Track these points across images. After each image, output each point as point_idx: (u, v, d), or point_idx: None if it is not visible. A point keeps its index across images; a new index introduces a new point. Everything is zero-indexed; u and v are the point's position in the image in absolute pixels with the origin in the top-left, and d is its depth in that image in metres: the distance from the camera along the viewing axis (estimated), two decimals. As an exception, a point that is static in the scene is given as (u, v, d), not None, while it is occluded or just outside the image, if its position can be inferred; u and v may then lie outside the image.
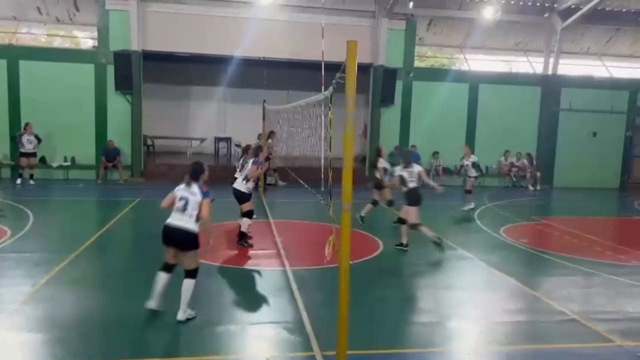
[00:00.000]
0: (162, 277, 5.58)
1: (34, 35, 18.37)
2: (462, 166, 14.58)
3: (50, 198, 13.37)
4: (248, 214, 8.70)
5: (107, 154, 15.88)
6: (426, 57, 20.73)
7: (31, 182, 14.71)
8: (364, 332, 5.39)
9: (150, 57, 16.51)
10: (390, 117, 18.02)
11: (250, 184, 8.72)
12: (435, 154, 17.91)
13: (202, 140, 19.21)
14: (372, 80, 17.77)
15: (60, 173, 16.01)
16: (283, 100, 17.67)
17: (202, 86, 20.00)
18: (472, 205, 13.02)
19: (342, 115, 4.20)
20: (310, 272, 7.44)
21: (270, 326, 5.58)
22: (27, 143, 14.62)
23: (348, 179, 4.21)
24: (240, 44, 16.09)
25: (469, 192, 13.30)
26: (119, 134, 16.23)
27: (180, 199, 5.48)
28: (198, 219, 5.47)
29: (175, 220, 5.46)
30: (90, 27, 16.90)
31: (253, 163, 8.65)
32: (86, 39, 17.84)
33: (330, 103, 5.14)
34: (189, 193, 5.50)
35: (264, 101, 15.00)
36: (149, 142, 18.31)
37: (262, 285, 7.08)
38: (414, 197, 8.77)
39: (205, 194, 5.55)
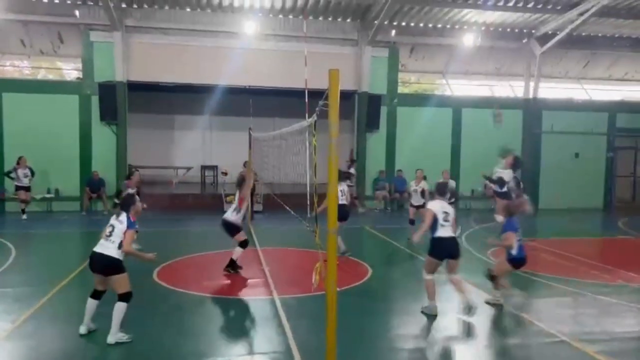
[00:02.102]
0: (91, 304, 5.82)
1: (18, 67, 18.34)
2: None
3: (34, 231, 13.14)
4: (242, 244, 8.68)
5: (92, 185, 15.74)
6: (409, 83, 21.07)
7: (24, 216, 14.44)
8: (352, 359, 5.31)
9: (135, 87, 16.57)
10: (376, 142, 18.18)
11: (240, 215, 8.74)
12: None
13: (188, 169, 19.16)
14: (357, 106, 17.99)
15: (44, 205, 15.80)
16: (269, 127, 17.71)
17: (188, 115, 20.07)
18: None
19: (327, 141, 4.23)
20: (298, 300, 7.35)
21: (259, 357, 5.48)
22: (23, 177, 14.45)
23: (333, 205, 4.22)
24: (225, 73, 16.27)
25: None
26: (103, 165, 16.15)
27: (109, 226, 5.76)
28: (120, 246, 5.66)
29: (99, 246, 5.70)
30: (75, 59, 16.94)
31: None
32: (70, 71, 17.85)
33: (315, 130, 5.17)
34: (117, 221, 5.77)
35: (250, 129, 15.05)
36: (134, 171, 18.14)
37: (250, 314, 6.98)
38: None
39: (131, 224, 5.76)
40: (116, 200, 11.49)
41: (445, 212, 6.68)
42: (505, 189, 10.21)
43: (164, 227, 13.18)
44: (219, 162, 19.24)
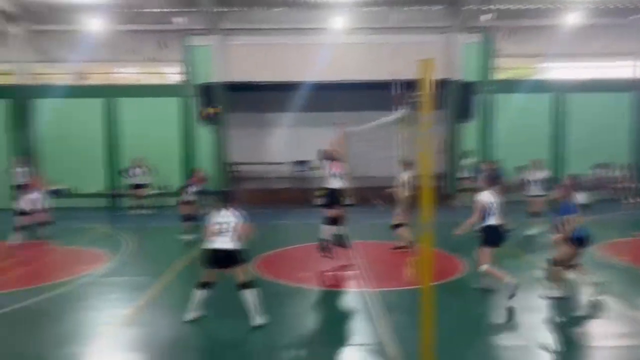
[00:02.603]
0: (202, 294, 6.17)
1: (128, 74, 19.93)
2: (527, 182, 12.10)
3: (145, 225, 14.26)
4: (331, 221, 8.82)
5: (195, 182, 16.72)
6: (506, 68, 20.01)
7: (143, 211, 15.73)
8: (448, 356, 5.21)
9: (232, 87, 17.36)
10: (469, 132, 17.54)
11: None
12: (521, 168, 17.10)
13: (282, 164, 19.72)
14: (448, 96, 17.47)
15: (153, 201, 17.08)
16: (357, 121, 17.79)
17: (281, 112, 20.60)
18: (534, 231, 11.15)
19: (415, 132, 4.19)
20: (391, 293, 7.34)
21: (353, 349, 5.56)
22: (138, 175, 15.70)
23: (428, 198, 4.16)
24: (315, 69, 16.50)
25: (536, 214, 11.32)
26: (205, 162, 17.11)
27: (220, 223, 6.03)
28: (237, 238, 6.03)
29: (218, 243, 6.00)
30: (177, 63, 18.06)
31: None
32: (173, 74, 19.05)
33: (405, 122, 5.13)
34: (229, 216, 6.07)
35: (336, 123, 15.14)
36: (233, 168, 19.09)
37: (343, 306, 7.08)
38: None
39: (245, 217, 6.15)
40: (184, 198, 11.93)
41: (494, 202, 7.05)
42: None
43: (260, 220, 13.66)
44: (309, 157, 19.58)
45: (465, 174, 16.57)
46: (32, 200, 11.02)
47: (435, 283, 5.50)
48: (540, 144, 17.35)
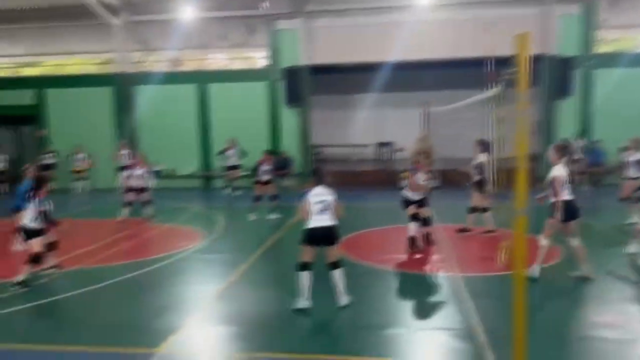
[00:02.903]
0: (308, 275, 6.10)
1: (218, 59, 20.72)
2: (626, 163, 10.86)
3: (236, 205, 14.90)
4: (412, 217, 8.63)
5: (279, 162, 17.18)
6: (608, 41, 18.38)
7: (238, 192, 16.40)
8: (542, 346, 4.99)
9: (316, 70, 17.50)
10: (567, 110, 16.43)
11: (416, 192, 8.66)
12: (624, 149, 15.76)
13: (366, 146, 19.68)
14: (543, 72, 16.42)
15: (242, 182, 17.75)
16: (444, 100, 17.26)
17: (364, 93, 20.49)
18: (634, 220, 9.63)
19: (510, 112, 3.99)
20: (481, 279, 7.13)
21: (441, 332, 5.49)
22: (231, 156, 16.29)
23: (522, 181, 3.96)
24: (400, 48, 16.15)
25: (626, 199, 10.10)
26: (290, 144, 17.50)
27: (317, 202, 6.05)
28: (335, 215, 6.14)
29: (318, 222, 6.03)
30: (264, 47, 18.50)
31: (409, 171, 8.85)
32: (261, 58, 19.54)
33: (499, 101, 4.90)
34: (325, 195, 6.13)
35: (427, 103, 14.81)
36: (316, 150, 19.35)
37: (431, 290, 6.99)
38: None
39: (335, 195, 6.22)
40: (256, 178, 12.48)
41: (567, 176, 6.83)
42: None
43: (344, 202, 13.81)
44: (394, 138, 19.37)
45: (577, 156, 15.36)
46: (137, 176, 11.72)
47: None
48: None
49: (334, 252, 6.14)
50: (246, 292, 7.01)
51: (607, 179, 15.99)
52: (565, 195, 6.74)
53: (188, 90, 18.14)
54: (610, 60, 16.37)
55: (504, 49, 4.57)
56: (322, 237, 6.02)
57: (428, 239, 8.88)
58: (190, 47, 19.11)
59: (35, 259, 7.16)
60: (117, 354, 5.07)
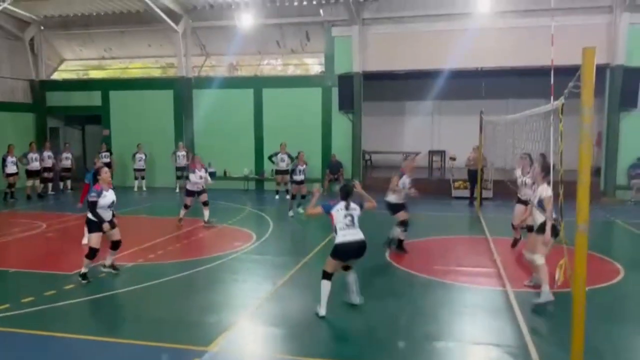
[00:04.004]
0: (328, 285, 6.12)
1: (273, 65, 21.13)
2: None
3: (286, 207, 15.09)
4: (401, 223, 9.02)
5: (331, 167, 17.32)
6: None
7: (287, 197, 16.60)
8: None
9: (369, 77, 17.53)
10: (633, 122, 15.69)
11: (396, 196, 9.01)
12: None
13: (417, 154, 19.45)
14: (608, 82, 15.77)
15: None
16: (502, 110, 16.88)
17: (417, 101, 20.35)
18: None
19: (573, 122, 3.88)
20: (534, 295, 6.92)
21: (491, 348, 5.37)
22: (281, 161, 16.46)
23: (584, 196, 3.85)
24: (456, 56, 15.96)
25: None
26: (341, 150, 17.60)
27: (345, 216, 6.13)
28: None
29: (353, 235, 6.08)
30: (319, 54, 18.71)
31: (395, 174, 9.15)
32: (314, 65, 19.78)
33: (562, 114, 4.77)
34: (353, 210, 6.20)
35: (481, 112, 14.53)
36: (367, 156, 19.36)
37: (481, 304, 6.84)
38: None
39: (360, 205, 6.31)
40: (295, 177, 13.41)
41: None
42: None
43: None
44: (446, 146, 19.10)
45: None
46: (197, 178, 11.63)
47: (588, 288, 5.07)
48: None
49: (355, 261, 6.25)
50: (295, 294, 7.11)
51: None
52: (553, 215, 6.38)
53: (244, 95, 18.59)
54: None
55: (568, 59, 4.43)
56: (353, 251, 6.09)
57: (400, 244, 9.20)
58: (248, 52, 19.62)
59: (91, 253, 7.44)
60: (171, 349, 5.27)
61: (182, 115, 19.08)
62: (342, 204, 6.19)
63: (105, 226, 7.50)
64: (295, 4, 17.62)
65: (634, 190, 15.47)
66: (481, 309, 6.66)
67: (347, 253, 6.12)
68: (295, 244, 10.40)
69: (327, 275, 6.17)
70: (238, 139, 18.52)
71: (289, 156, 16.48)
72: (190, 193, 11.75)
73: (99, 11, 19.00)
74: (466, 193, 15.76)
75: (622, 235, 11.58)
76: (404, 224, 9.04)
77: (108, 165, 18.64)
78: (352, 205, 6.21)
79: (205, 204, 11.76)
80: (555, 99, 5.55)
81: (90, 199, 7.48)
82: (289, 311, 6.46)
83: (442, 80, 18.07)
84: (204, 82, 19.05)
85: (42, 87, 20.47)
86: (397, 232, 9.08)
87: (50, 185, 17.68)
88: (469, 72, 17.21)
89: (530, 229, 7.70)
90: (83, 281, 7.41)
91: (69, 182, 18.35)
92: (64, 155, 18.29)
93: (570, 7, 15.39)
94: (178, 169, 18.18)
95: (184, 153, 18.12)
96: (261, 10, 17.64)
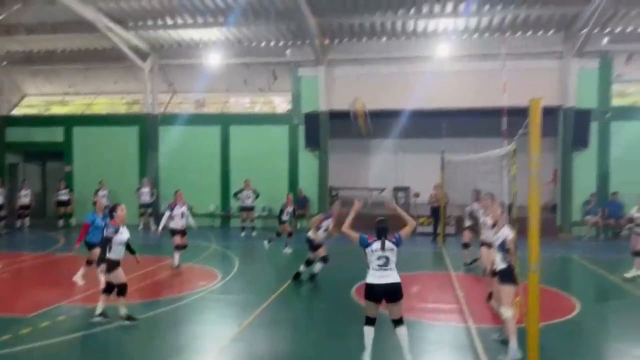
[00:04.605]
0: (371, 331, 5.85)
1: (240, 103, 21.35)
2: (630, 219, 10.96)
3: (252, 244, 15.05)
4: (323, 259, 9.82)
5: (298, 202, 17.43)
6: (627, 94, 18.57)
7: (253, 233, 16.62)
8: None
9: (335, 115, 17.92)
10: (585, 161, 16.49)
11: (317, 233, 9.71)
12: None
13: (382, 190, 19.83)
14: (561, 123, 16.62)
15: (259, 222, 17.95)
16: (463, 148, 17.46)
17: (382, 139, 20.81)
18: (637, 272, 10.10)
19: (526, 160, 4.14)
20: (496, 331, 7.09)
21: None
22: (246, 198, 16.54)
23: (535, 238, 4.09)
24: (418, 96, 16.54)
25: (637, 254, 10.25)
26: (308, 186, 17.78)
27: (380, 257, 5.79)
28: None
29: (383, 278, 5.73)
30: (286, 93, 19.06)
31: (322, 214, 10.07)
32: (282, 103, 20.10)
33: (514, 157, 5.07)
34: (389, 251, 5.82)
35: (443, 151, 15.04)
36: (334, 192, 19.58)
37: (445, 341, 6.96)
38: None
39: (398, 241, 5.92)
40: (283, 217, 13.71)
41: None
42: None
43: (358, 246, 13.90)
44: (411, 183, 19.52)
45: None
46: (178, 216, 11.11)
47: (542, 324, 5.27)
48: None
49: (397, 308, 5.81)
50: (260, 335, 7.07)
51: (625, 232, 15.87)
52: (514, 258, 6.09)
53: (211, 132, 18.66)
54: (627, 113, 16.53)
55: (524, 100, 4.69)
56: (383, 293, 5.73)
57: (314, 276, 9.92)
58: (215, 90, 19.81)
59: (123, 289, 7.35)
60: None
61: (148, 152, 18.95)
62: (378, 243, 5.82)
63: (102, 267, 7.57)
64: (263, 44, 18.03)
65: (588, 226, 16.12)
66: (445, 345, 6.78)
67: (376, 295, 5.74)
68: (260, 282, 10.35)
69: (368, 321, 5.87)
70: (204, 175, 18.47)
71: (255, 192, 16.55)
72: (175, 232, 11.15)
73: (64, 48, 18.92)
74: (430, 229, 16.11)
75: (578, 271, 12.01)
76: (325, 259, 9.84)
77: (67, 202, 18.30)
78: (388, 245, 5.82)
79: (181, 247, 11.14)
80: (512, 139, 5.86)
81: (107, 235, 7.36)
82: (255, 353, 6.42)
83: (406, 120, 18.62)
84: (170, 119, 19.06)
85: (1, 123, 20.05)
86: (319, 267, 9.85)
87: (2, 223, 17.09)
88: (431, 112, 17.83)
89: (494, 274, 7.85)
90: (128, 321, 7.24)
91: (27, 220, 17.81)
92: (22, 192, 17.81)
93: (525, 52, 16.33)
94: (142, 205, 17.93)
95: (148, 189, 17.93)
96: (229, 49, 17.95)
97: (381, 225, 5.94)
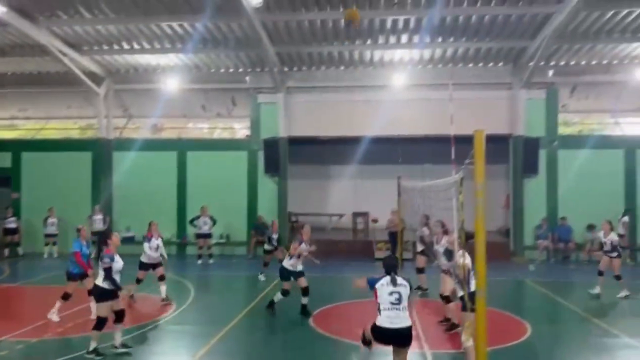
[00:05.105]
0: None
1: (199, 128, 21.19)
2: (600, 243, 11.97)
3: (209, 273, 14.76)
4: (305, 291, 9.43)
5: (257, 228, 17.30)
6: (572, 123, 19.56)
7: (210, 261, 16.29)
8: None
9: (294, 141, 18.06)
10: (535, 187, 17.14)
11: (294, 261, 9.48)
12: (590, 227, 16.35)
13: (341, 216, 19.94)
14: (512, 150, 17.28)
15: (217, 249, 17.65)
16: (418, 174, 17.85)
17: (340, 165, 21.06)
18: (597, 291, 11.10)
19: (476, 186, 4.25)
20: (451, 356, 7.18)
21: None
22: (203, 225, 16.21)
23: (482, 264, 4.21)
24: (375, 124, 16.87)
25: (601, 273, 11.19)
26: (267, 212, 17.66)
27: (392, 293, 5.32)
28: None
29: (394, 321, 5.29)
30: (245, 119, 19.05)
31: (295, 241, 9.66)
32: (241, 129, 20.07)
33: (461, 186, 5.23)
34: (401, 286, 5.38)
35: (399, 178, 15.32)
36: (293, 218, 19.55)
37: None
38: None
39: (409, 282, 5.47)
40: (266, 247, 13.46)
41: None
42: None
43: (318, 272, 13.83)
44: (369, 209, 19.73)
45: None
46: (152, 250, 10.50)
47: (493, 348, 5.37)
48: (614, 202, 16.61)
49: (404, 355, 5.43)
50: (215, 366, 6.91)
51: (574, 255, 16.53)
52: (472, 286, 5.89)
53: (167, 158, 18.37)
54: (572, 141, 17.37)
55: (473, 129, 4.85)
56: (394, 338, 5.32)
57: (305, 309, 9.46)
58: (173, 115, 19.60)
59: (100, 324, 7.07)
60: None
61: (101, 178, 18.45)
62: (387, 278, 5.37)
63: (123, 292, 7.36)
64: (222, 70, 18.06)
65: (539, 250, 16.65)
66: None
67: (387, 339, 5.35)
68: (216, 312, 10.11)
69: (365, 342, 5.66)
70: (159, 202, 18.06)
71: (212, 219, 16.31)
72: (144, 266, 10.47)
73: (14, 70, 18.37)
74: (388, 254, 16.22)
75: (530, 294, 12.33)
76: (306, 291, 9.45)
77: (14, 230, 17.51)
78: (400, 280, 5.35)
79: (161, 278, 10.49)
80: (460, 167, 6.04)
81: (105, 265, 7.10)
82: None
83: (364, 146, 18.92)
84: (125, 144, 18.66)
85: (-57, 148, 19.14)
86: (305, 300, 9.42)
87: None
88: (388, 139, 18.20)
89: (448, 300, 8.06)
90: (97, 358, 6.91)
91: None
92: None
93: (476, 82, 17.01)
94: (94, 233, 17.30)
95: (100, 217, 17.38)
96: (187, 75, 17.87)
97: (390, 262, 5.56)
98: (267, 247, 13.42)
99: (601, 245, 11.66)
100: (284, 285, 9.46)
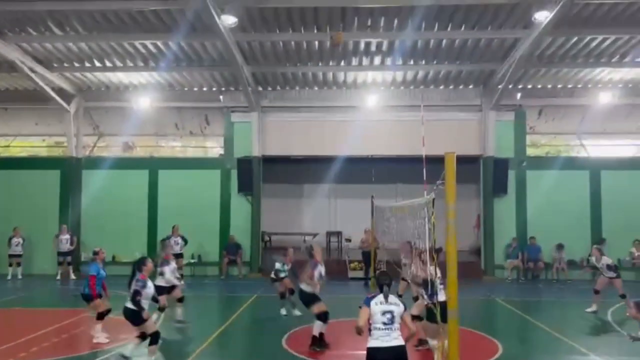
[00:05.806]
0: None
1: (171, 147, 20.97)
2: (593, 267, 12.68)
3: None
4: (320, 317, 8.43)
5: (229, 248, 17.09)
6: (540, 145, 20.11)
7: (181, 282, 15.84)
8: None
9: (268, 160, 18.04)
10: (505, 207, 17.48)
11: (313, 286, 8.61)
12: (559, 246, 16.72)
13: (315, 235, 19.88)
14: (482, 171, 17.62)
15: (188, 270, 17.34)
16: (392, 193, 18.01)
17: (314, 184, 21.07)
18: (593, 309, 11.46)
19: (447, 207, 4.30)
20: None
21: None
22: (174, 245, 15.54)
23: (453, 286, 4.25)
24: (349, 144, 17.04)
25: (597, 292, 11.53)
26: (240, 231, 17.53)
27: (384, 312, 5.08)
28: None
29: (386, 341, 5.01)
30: (218, 137, 18.98)
31: (310, 266, 8.75)
32: (214, 148, 19.95)
33: (433, 207, 5.30)
34: (393, 304, 5.14)
35: (372, 197, 15.43)
36: (266, 238, 19.41)
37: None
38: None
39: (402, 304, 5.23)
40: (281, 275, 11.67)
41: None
42: None
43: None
44: (343, 228, 19.76)
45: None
46: (171, 273, 10.19)
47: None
48: (580, 221, 17.08)
49: None
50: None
51: (543, 274, 16.87)
52: (442, 296, 6.15)
53: (138, 176, 18.09)
54: (540, 162, 17.85)
55: (443, 150, 4.89)
56: (390, 358, 5.02)
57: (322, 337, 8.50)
58: (145, 133, 19.37)
59: (156, 338, 7.23)
60: None
61: (69, 197, 18.02)
62: (380, 296, 5.17)
63: (146, 314, 7.34)
64: (195, 89, 18.00)
65: (509, 269, 16.91)
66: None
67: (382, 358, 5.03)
68: (184, 336, 9.89)
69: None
70: (130, 221, 17.71)
71: (183, 239, 15.99)
72: (162, 290, 9.82)
73: (-21, 86, 17.94)
74: (361, 274, 16.27)
75: (500, 313, 12.47)
76: (324, 315, 8.43)
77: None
78: (392, 298, 5.16)
79: (180, 300, 10.23)
80: (432, 187, 6.14)
81: (136, 288, 7.27)
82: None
83: (338, 166, 19.02)
84: (95, 162, 18.32)
85: None
86: (319, 326, 8.39)
87: None
88: (361, 159, 18.36)
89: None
90: None
91: None
92: None
93: (447, 104, 17.39)
94: (60, 254, 16.87)
95: (67, 237, 16.92)
96: (160, 93, 17.75)
97: (383, 278, 5.30)
98: (282, 275, 11.50)
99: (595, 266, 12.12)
100: (315, 309, 8.45)
